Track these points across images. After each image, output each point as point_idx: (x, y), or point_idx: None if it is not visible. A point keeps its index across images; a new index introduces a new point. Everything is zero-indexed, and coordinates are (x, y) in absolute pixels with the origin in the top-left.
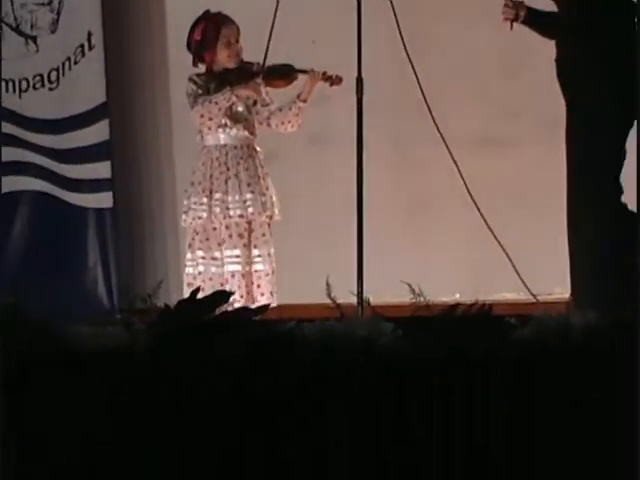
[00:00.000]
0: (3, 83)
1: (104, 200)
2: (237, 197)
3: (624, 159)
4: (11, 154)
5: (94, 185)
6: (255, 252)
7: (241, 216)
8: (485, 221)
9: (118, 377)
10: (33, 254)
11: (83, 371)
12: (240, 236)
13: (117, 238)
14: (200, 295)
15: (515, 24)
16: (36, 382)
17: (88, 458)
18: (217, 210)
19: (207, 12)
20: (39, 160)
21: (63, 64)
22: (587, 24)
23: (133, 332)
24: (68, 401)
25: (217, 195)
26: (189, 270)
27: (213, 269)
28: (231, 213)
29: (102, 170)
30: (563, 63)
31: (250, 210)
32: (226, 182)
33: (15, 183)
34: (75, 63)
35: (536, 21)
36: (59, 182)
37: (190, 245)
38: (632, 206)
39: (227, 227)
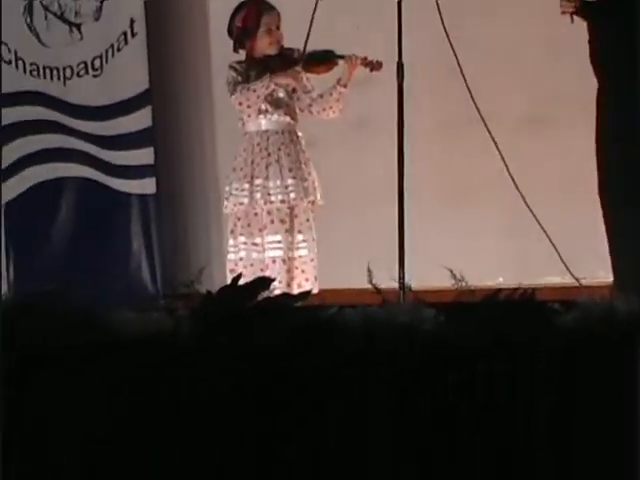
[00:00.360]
0: (48, 71)
1: (147, 186)
2: (278, 182)
3: None
4: (56, 141)
5: (137, 171)
6: (299, 237)
7: (283, 201)
8: (527, 204)
9: (161, 363)
10: (78, 240)
11: (126, 357)
12: (282, 222)
13: (160, 224)
14: (242, 281)
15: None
16: (79, 368)
17: (129, 440)
18: (258, 196)
19: None
20: (83, 147)
21: (106, 51)
22: (621, 8)
23: (176, 318)
24: (110, 387)
25: (258, 181)
26: (231, 256)
27: (254, 255)
28: (272, 199)
29: (145, 156)
30: (596, 46)
31: (292, 195)
32: (267, 168)
33: (60, 170)
34: (118, 50)
35: (589, 11)
36: (103, 168)
37: (232, 231)
38: None
39: (269, 213)
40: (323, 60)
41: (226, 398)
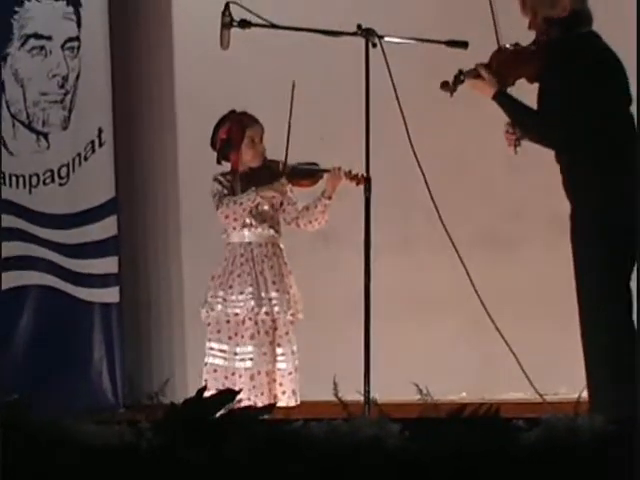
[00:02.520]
0: (14, 179)
1: (111, 295)
2: (263, 294)
3: (634, 264)
4: (20, 248)
5: (101, 280)
6: (279, 350)
7: (267, 314)
8: (491, 318)
9: (123, 475)
10: (39, 348)
11: (88, 468)
12: (266, 333)
13: (123, 333)
14: (214, 392)
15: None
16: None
17: None
18: (241, 305)
19: (233, 112)
20: (47, 255)
21: (73, 160)
22: (585, 134)
23: (138, 430)
24: None
25: (240, 290)
26: (210, 360)
27: (236, 364)
28: (256, 310)
29: (109, 265)
30: (566, 170)
31: (276, 309)
32: (253, 278)
33: (23, 277)
34: (85, 159)
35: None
36: (67, 277)
37: (210, 340)
38: None
39: (255, 323)
40: (308, 174)
41: None
